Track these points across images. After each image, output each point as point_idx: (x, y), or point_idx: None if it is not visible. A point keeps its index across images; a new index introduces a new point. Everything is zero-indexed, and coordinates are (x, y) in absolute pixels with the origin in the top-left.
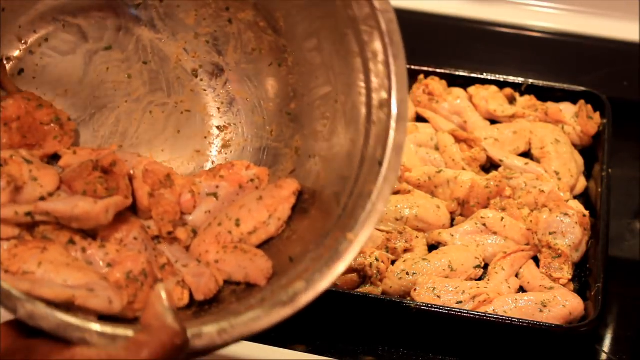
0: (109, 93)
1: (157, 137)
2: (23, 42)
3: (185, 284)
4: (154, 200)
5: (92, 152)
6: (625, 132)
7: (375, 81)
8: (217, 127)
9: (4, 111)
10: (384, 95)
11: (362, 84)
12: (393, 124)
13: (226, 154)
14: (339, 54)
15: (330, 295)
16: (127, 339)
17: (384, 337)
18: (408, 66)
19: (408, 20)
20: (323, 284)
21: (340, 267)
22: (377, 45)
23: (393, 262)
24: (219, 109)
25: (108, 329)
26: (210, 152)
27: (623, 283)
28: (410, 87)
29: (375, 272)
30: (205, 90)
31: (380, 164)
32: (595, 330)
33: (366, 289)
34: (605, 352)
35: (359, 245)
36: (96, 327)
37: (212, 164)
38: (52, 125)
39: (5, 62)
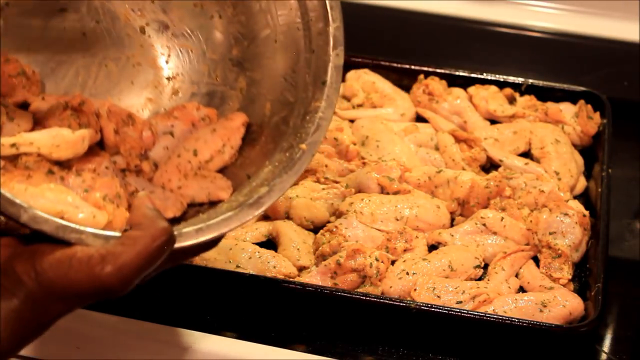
0: (67, 50)
1: (113, 88)
2: None
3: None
4: (119, 137)
5: (59, 98)
6: (625, 132)
7: (312, 15)
8: (167, 78)
9: None
10: (321, 25)
11: (299, 20)
12: (332, 49)
13: (176, 100)
14: None
15: (330, 296)
16: (121, 236)
17: (384, 337)
18: (408, 66)
19: (408, 20)
20: (283, 186)
21: (297, 172)
22: None
23: (393, 262)
24: (167, 61)
25: (101, 232)
26: (162, 99)
27: (623, 283)
28: (410, 87)
29: (375, 272)
30: (153, 45)
31: (324, 83)
32: (595, 330)
33: (366, 289)
34: (605, 352)
35: (311, 153)
36: (91, 229)
37: (164, 110)
38: (20, 77)
39: None
